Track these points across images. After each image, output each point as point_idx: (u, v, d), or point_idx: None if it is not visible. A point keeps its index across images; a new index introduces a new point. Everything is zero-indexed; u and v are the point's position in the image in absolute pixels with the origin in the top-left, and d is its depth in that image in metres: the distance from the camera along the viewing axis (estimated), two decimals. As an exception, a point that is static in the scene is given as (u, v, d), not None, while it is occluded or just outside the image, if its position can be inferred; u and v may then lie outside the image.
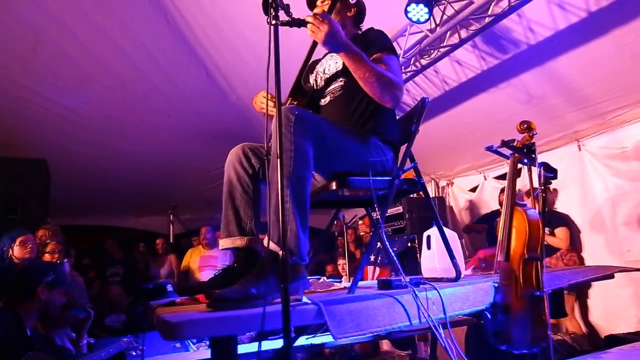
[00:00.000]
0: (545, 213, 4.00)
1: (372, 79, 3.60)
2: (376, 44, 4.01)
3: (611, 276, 5.93)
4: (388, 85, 3.69)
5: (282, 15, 3.11)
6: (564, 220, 8.37)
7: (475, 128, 9.37)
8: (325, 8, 4.05)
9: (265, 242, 3.22)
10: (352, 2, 4.20)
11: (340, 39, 3.43)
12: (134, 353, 6.55)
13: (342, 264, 10.77)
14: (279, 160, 2.64)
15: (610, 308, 8.00)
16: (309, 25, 3.36)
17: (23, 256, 6.98)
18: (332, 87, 4.28)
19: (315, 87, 4.47)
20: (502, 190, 10.16)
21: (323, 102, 4.35)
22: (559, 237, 8.16)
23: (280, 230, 2.79)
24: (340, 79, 4.20)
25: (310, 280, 4.17)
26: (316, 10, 4.17)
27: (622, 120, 7.97)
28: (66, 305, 6.29)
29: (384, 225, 3.92)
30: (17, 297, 5.27)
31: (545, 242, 7.43)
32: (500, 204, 10.24)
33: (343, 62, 3.88)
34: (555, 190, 8.84)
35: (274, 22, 2.93)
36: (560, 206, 8.95)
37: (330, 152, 3.62)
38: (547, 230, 8.01)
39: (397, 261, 3.74)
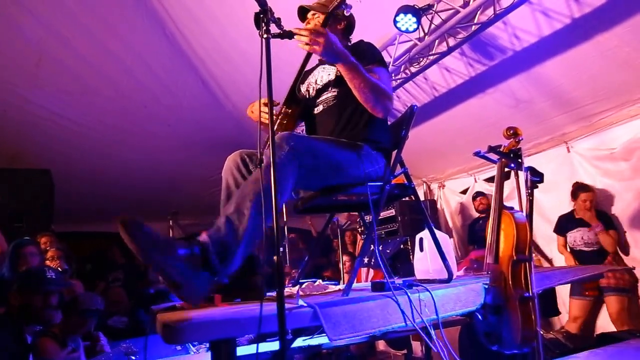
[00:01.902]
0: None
1: (366, 89, 3.62)
2: (367, 56, 4.01)
3: (601, 275, 5.93)
4: (381, 96, 3.72)
5: (274, 28, 3.11)
6: (613, 222, 7.94)
7: (465, 132, 9.39)
8: (320, 20, 4.06)
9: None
10: (344, 12, 4.19)
11: (338, 50, 3.44)
12: (133, 358, 6.57)
13: (345, 260, 10.76)
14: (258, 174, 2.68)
15: (602, 306, 7.98)
16: (303, 39, 3.36)
17: (28, 266, 6.98)
18: (324, 97, 4.28)
19: (307, 96, 4.47)
20: (474, 198, 10.26)
21: (316, 110, 4.35)
22: (613, 238, 7.72)
23: (222, 231, 2.92)
24: (333, 89, 4.21)
25: (306, 284, 4.18)
26: (309, 25, 4.18)
27: (609, 122, 8.00)
28: (69, 309, 6.33)
29: (376, 228, 3.92)
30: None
31: (601, 233, 7.35)
32: (477, 210, 10.31)
33: (335, 73, 3.90)
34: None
35: (265, 35, 2.93)
36: (551, 207, 8.94)
37: (324, 170, 3.63)
38: (601, 227, 7.71)
39: (386, 265, 3.75)
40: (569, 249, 8.23)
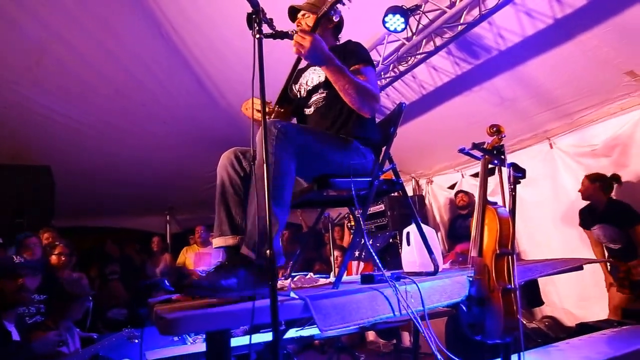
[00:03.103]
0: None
1: (351, 90, 3.64)
2: (355, 56, 4.05)
3: (580, 268, 5.93)
4: (366, 97, 3.74)
5: (266, 29, 3.13)
6: (637, 215, 7.28)
7: (452, 129, 9.43)
8: (309, 22, 4.10)
9: (242, 249, 3.29)
10: (333, 17, 4.22)
11: (323, 53, 3.47)
12: (136, 341, 6.66)
13: (337, 255, 10.81)
14: (260, 170, 2.74)
15: (582, 296, 8.01)
16: (293, 42, 3.39)
17: (30, 257, 7.15)
18: (314, 98, 4.31)
19: (299, 97, 4.50)
20: (456, 194, 10.44)
21: (307, 111, 4.37)
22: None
23: (255, 237, 2.96)
24: (322, 91, 4.23)
25: (297, 277, 4.21)
26: (298, 24, 4.21)
27: (590, 120, 8.05)
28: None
29: (365, 223, 3.95)
30: None
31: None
32: (458, 205, 10.41)
33: (325, 75, 3.90)
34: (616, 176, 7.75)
35: (258, 35, 2.95)
36: (533, 201, 8.97)
37: (313, 159, 3.68)
38: (610, 236, 7.39)
39: (376, 257, 3.78)
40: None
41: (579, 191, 7.74)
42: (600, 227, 7.53)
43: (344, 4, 3.86)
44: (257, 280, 2.94)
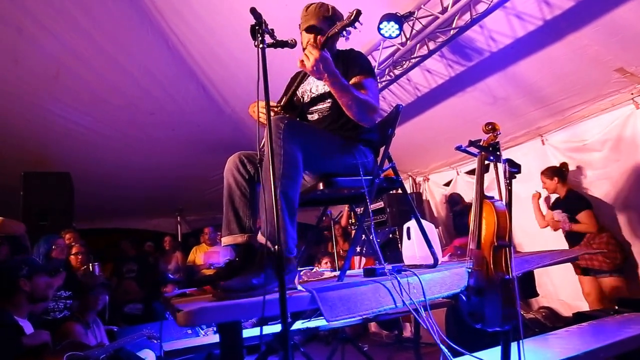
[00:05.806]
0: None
1: (354, 105, 3.66)
2: (358, 67, 4.05)
3: (576, 259, 5.91)
4: (367, 111, 3.76)
5: (268, 39, 3.13)
6: (586, 203, 7.76)
7: (447, 129, 9.43)
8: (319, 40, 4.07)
9: (259, 237, 3.34)
10: (344, 37, 4.20)
11: (328, 70, 3.46)
12: (155, 341, 6.76)
13: (327, 261, 10.87)
14: (270, 163, 2.70)
15: (577, 287, 7.97)
16: (304, 56, 3.40)
17: (58, 256, 7.37)
18: (319, 106, 4.28)
19: (302, 101, 4.47)
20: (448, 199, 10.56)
21: (310, 117, 4.33)
22: (583, 222, 7.60)
23: (272, 227, 2.88)
24: (328, 100, 4.19)
25: (303, 271, 4.23)
26: (310, 40, 4.17)
27: (581, 116, 8.03)
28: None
29: (366, 219, 3.96)
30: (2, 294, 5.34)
31: (570, 230, 7.31)
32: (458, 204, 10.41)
33: None
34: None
35: (261, 45, 2.98)
36: (526, 196, 8.93)
37: (318, 155, 3.68)
38: (566, 216, 7.80)
39: (379, 251, 3.78)
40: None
41: (544, 187, 8.12)
42: (557, 213, 7.96)
43: (355, 27, 3.81)
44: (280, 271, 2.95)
